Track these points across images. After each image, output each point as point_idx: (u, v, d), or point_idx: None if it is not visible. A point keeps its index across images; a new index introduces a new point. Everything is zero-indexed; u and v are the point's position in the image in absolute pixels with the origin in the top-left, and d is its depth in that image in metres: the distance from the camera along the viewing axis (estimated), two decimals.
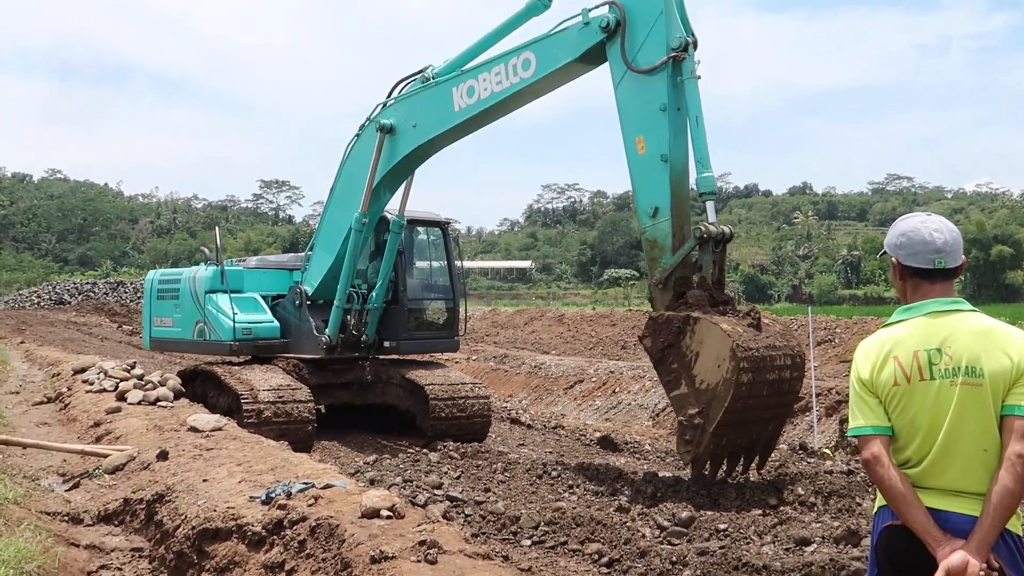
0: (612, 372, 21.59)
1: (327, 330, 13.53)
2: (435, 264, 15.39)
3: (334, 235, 13.61)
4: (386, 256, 13.65)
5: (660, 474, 10.25)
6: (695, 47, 9.43)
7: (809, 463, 11.69)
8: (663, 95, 9.35)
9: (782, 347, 8.82)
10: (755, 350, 8.49)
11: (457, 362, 25.49)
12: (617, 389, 20.45)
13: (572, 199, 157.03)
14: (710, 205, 9.30)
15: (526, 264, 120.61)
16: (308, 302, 14.00)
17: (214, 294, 14.18)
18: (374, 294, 13.72)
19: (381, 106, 12.65)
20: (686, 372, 8.68)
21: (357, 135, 13.09)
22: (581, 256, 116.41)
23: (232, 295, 13.95)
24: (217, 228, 17.55)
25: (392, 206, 13.71)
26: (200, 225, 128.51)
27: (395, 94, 12.52)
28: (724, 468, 9.19)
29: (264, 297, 14.54)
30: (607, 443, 14.13)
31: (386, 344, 14.13)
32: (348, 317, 13.63)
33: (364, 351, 14.01)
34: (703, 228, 9.08)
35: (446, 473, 10.20)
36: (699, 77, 9.37)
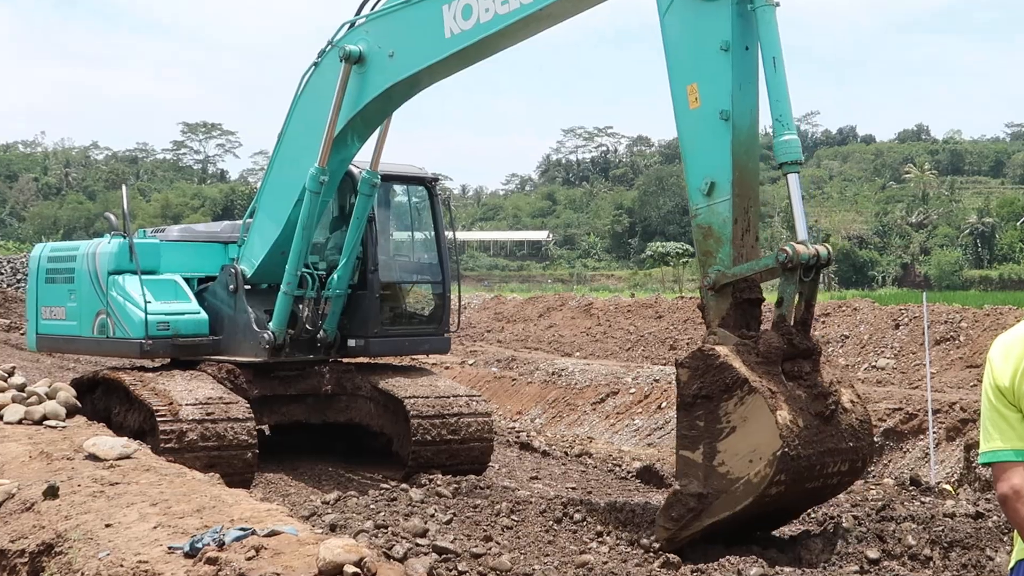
0: (657, 381, 21.61)
1: (271, 324, 13.58)
2: (418, 236, 15.42)
3: (282, 197, 13.62)
4: (352, 225, 13.66)
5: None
6: None
7: (923, 503, 11.69)
8: (726, 29, 9.15)
9: (845, 450, 8.96)
10: (806, 457, 8.62)
11: (448, 367, 25.55)
12: (664, 404, 20.46)
13: (604, 148, 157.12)
14: (793, 180, 9.18)
15: (541, 235, 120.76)
16: (247, 287, 14.04)
17: (120, 276, 14.22)
18: (335, 276, 13.75)
19: (347, 26, 12.60)
20: (710, 439, 8.79)
21: (315, 64, 13.06)
22: (615, 225, 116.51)
23: (144, 277, 14.00)
24: (125, 187, 17.55)
25: (361, 159, 13.72)
26: (101, 184, 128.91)
27: (366, 10, 12.44)
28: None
29: (189, 280, 14.60)
30: (649, 476, 14.17)
31: (351, 343, 14.17)
32: (300, 307, 13.67)
33: (322, 353, 14.06)
34: (790, 252, 8.74)
35: (433, 516, 10.24)
36: (777, 3, 9.12)
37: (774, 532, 9.71)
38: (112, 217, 15.15)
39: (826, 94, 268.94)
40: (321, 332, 13.87)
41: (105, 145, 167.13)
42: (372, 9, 12.38)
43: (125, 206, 15.01)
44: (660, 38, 9.62)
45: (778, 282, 9.04)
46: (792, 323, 8.98)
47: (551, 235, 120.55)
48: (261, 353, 13.64)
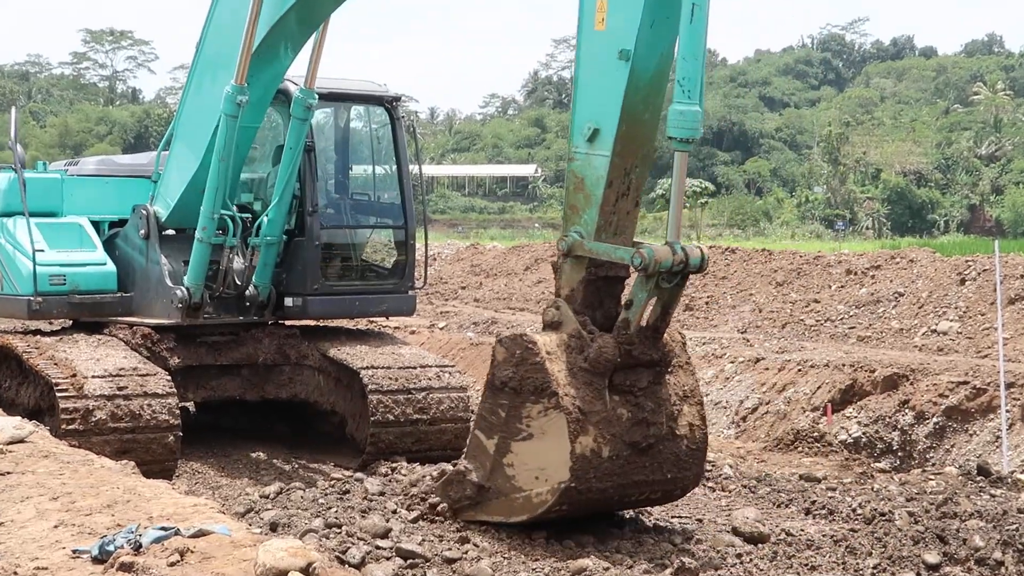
0: None
1: (185, 279, 13.54)
2: (376, 170, 15.36)
3: (202, 122, 13.57)
4: (285, 157, 13.60)
5: (745, 514, 10.32)
6: None
7: (993, 497, 11.78)
8: None
9: (658, 482, 9.65)
10: (599, 491, 9.28)
11: (415, 332, 25.56)
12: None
13: None
14: (679, 161, 9.28)
15: (528, 170, 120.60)
16: (162, 232, 13.98)
17: (9, 219, 14.18)
18: (265, 219, 13.68)
19: None
20: (507, 435, 9.41)
21: None
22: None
23: (40, 220, 13.94)
24: (15, 110, 17.41)
25: (299, 72, 13.63)
26: None
27: None
28: None
29: (99, 225, 14.61)
30: None
31: (288, 302, 14.14)
32: (224, 257, 13.61)
33: (253, 314, 14.03)
34: (646, 257, 8.97)
35: (395, 513, 10.27)
36: None
37: (812, 531, 9.75)
38: (20, 148, 15.12)
39: None
40: (251, 288, 13.78)
41: None
42: None
43: (13, 133, 14.93)
44: None
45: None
46: (641, 328, 9.27)
47: (539, 170, 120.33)
48: (174, 314, 13.60)
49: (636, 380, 9.40)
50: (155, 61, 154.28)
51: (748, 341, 21.82)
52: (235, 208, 13.69)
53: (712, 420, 18.85)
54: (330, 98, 14.20)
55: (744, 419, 18.49)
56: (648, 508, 11.13)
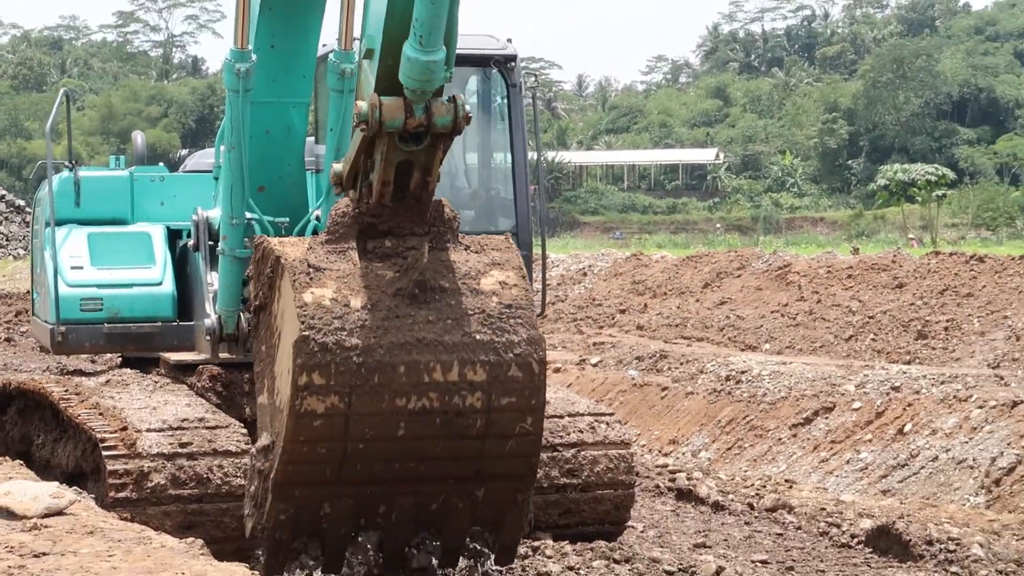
0: (897, 389, 21.50)
1: (218, 303, 13.70)
2: (481, 156, 15.44)
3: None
4: (328, 142, 13.61)
5: None
6: None
7: None
8: None
9: (459, 344, 9.64)
10: (357, 349, 9.42)
11: (560, 369, 25.63)
12: (908, 426, 20.36)
13: (806, 12, 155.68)
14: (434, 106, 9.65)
15: (707, 156, 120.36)
16: (210, 244, 14.15)
17: (61, 229, 14.54)
18: (315, 219, 13.69)
19: None
20: (269, 363, 10.03)
21: None
22: (827, 138, 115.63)
23: (96, 230, 14.33)
24: (64, 94, 17.70)
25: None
26: (8, 81, 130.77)
27: None
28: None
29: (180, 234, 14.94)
30: (888, 542, 14.14)
31: None
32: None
33: None
34: (364, 111, 9.48)
35: None
36: None
37: None
38: (139, 138, 15.46)
39: None
40: None
41: (11, 21, 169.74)
42: None
43: (51, 121, 15.27)
44: None
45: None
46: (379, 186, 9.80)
47: (721, 155, 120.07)
48: (205, 347, 13.86)
49: (400, 244, 9.90)
50: (220, 21, 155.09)
51: (1002, 379, 21.53)
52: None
53: (955, 485, 18.66)
54: None
55: (998, 483, 18.25)
56: None
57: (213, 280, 13.97)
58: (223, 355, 13.82)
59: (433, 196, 10.08)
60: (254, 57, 12.89)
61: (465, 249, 10.15)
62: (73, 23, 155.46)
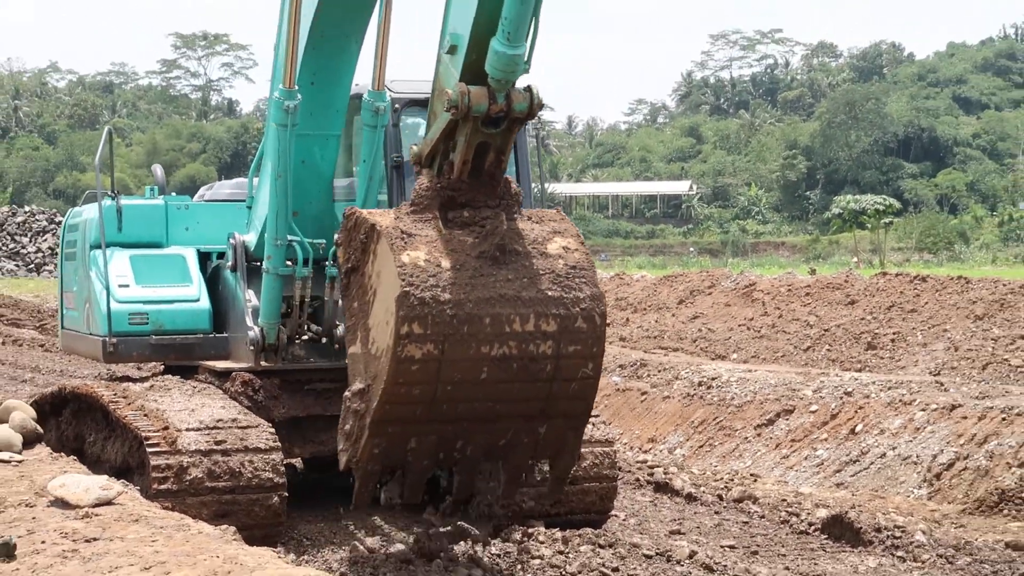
0: (849, 394, 21.47)
1: (260, 316, 13.69)
2: None
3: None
4: (360, 172, 13.60)
5: None
6: None
7: None
8: None
9: (534, 299, 10.13)
10: (451, 303, 9.82)
11: None
12: (859, 426, 20.33)
13: (769, 61, 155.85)
14: (485, 93, 10.07)
15: (681, 187, 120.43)
16: (247, 263, 14.16)
17: (105, 251, 14.51)
18: None
19: None
20: (364, 317, 10.39)
21: None
22: (788, 171, 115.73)
23: (140, 252, 14.31)
24: (108, 131, 17.71)
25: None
26: (64, 121, 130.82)
27: None
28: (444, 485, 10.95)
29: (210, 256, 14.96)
30: (841, 529, 14.12)
31: None
32: (297, 290, 13.71)
33: (341, 357, 14.10)
34: (455, 96, 9.91)
35: None
36: None
37: None
38: (159, 171, 15.46)
39: None
40: (340, 327, 13.77)
41: (68, 68, 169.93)
42: None
43: (97, 158, 15.24)
44: None
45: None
46: (460, 165, 10.29)
47: (695, 186, 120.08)
48: (248, 357, 13.80)
49: (477, 214, 10.39)
50: (253, 68, 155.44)
51: (942, 385, 21.49)
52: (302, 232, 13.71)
53: (900, 478, 18.65)
54: (423, 103, 14.20)
55: (938, 477, 18.21)
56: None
57: (250, 296, 13.99)
58: (264, 364, 13.82)
59: (504, 173, 10.57)
60: (299, 96, 12.94)
61: (528, 219, 10.63)
62: (123, 69, 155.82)
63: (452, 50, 10.25)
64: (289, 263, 13.56)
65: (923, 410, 19.71)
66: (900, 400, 20.48)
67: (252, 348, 13.69)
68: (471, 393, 10.30)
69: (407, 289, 9.69)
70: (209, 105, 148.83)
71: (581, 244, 10.61)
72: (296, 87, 12.93)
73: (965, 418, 18.91)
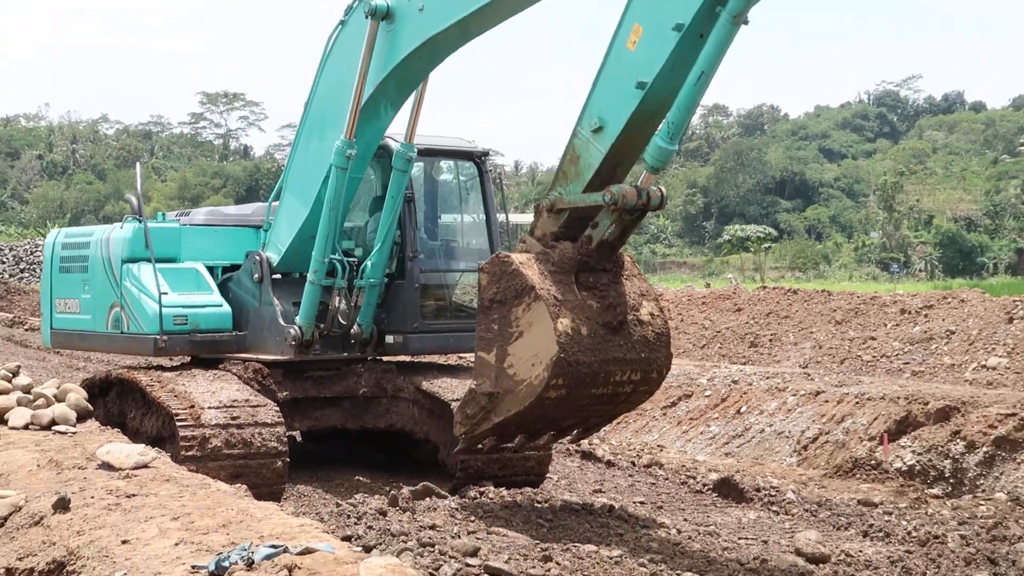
0: (735, 383, 21.56)
1: (297, 318, 13.68)
2: (466, 218, 15.44)
3: (310, 175, 13.71)
4: (386, 206, 13.70)
5: (807, 536, 10.25)
6: None
7: None
8: (688, 12, 9.56)
9: (635, 360, 10.67)
10: (587, 364, 10.25)
11: None
12: (743, 408, 20.42)
13: None
14: (646, 176, 10.37)
15: None
16: (273, 276, 14.16)
17: (134, 265, 14.38)
18: (369, 263, 13.80)
19: None
20: (502, 342, 10.47)
21: (341, 23, 13.14)
22: (688, 206, 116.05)
23: (161, 266, 14.16)
24: (139, 166, 17.75)
25: (396, 130, 13.77)
26: (112, 162, 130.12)
27: None
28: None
29: (213, 269, 14.76)
30: (728, 489, 14.16)
31: (389, 340, 14.23)
32: (330, 299, 13.75)
33: (357, 350, 14.14)
34: (617, 194, 10.08)
35: (485, 533, 10.30)
36: (746, 22, 9.54)
37: (869, 552, 9.69)
38: (133, 199, 15.38)
39: (930, 53, 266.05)
40: (355, 327, 13.93)
41: (116, 119, 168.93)
42: None
43: (139, 187, 15.20)
44: None
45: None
46: (600, 243, 10.47)
47: None
48: (287, 350, 13.73)
49: (597, 279, 10.58)
50: (264, 120, 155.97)
51: (809, 375, 21.63)
52: (341, 253, 13.85)
53: (775, 449, 18.73)
54: (425, 153, 14.30)
55: (805, 448, 18.32)
56: (715, 532, 11.09)
57: (274, 301, 13.98)
58: (300, 357, 13.80)
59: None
60: (357, 147, 13.04)
61: (624, 277, 10.88)
62: (159, 120, 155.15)
63: (598, 130, 10.22)
64: (328, 275, 13.65)
65: (794, 395, 19.82)
66: (776, 387, 20.59)
67: (293, 343, 13.63)
68: (572, 412, 11.01)
69: (563, 355, 10.04)
70: (229, 149, 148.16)
71: (660, 309, 11.08)
72: (354, 139, 12.95)
73: (827, 402, 19.02)
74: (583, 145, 10.35)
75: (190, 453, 12.12)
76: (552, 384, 10.16)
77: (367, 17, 12.47)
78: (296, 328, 13.62)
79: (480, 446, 11.64)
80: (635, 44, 9.98)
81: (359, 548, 8.23)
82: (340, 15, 13.19)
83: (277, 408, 13.04)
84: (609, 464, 16.59)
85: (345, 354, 14.11)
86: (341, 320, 13.86)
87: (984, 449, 16.05)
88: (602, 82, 10.29)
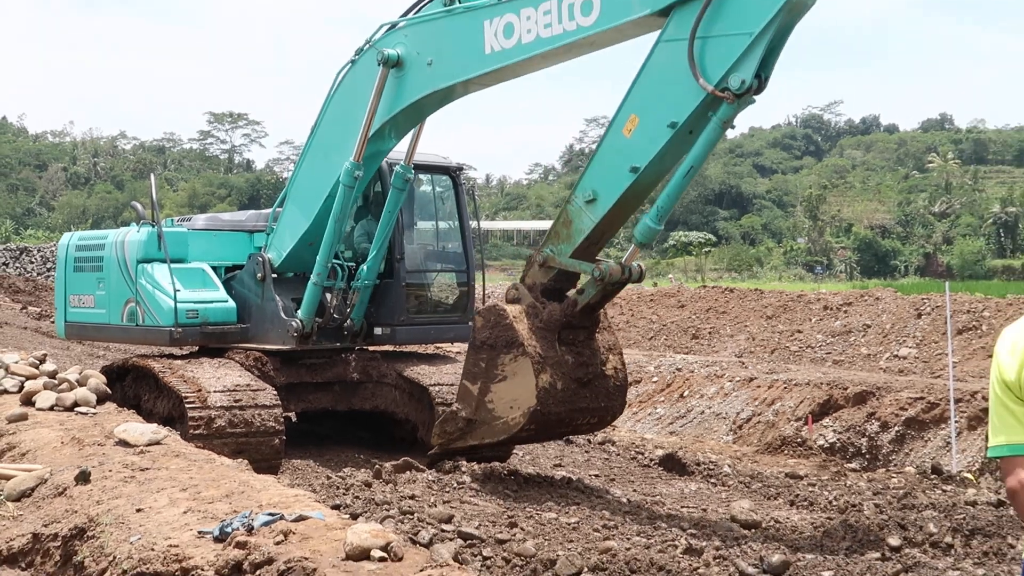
0: (679, 370, 21.62)
1: (299, 312, 13.65)
2: (443, 225, 15.44)
3: (314, 189, 13.67)
4: (383, 219, 13.69)
5: (741, 504, 10.29)
6: (759, 90, 9.47)
7: (944, 492, 11.70)
8: (683, 111, 9.57)
9: (596, 409, 10.94)
10: (555, 413, 10.51)
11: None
12: (686, 392, 20.48)
13: None
14: (633, 250, 10.70)
15: None
16: (274, 275, 14.13)
17: (149, 264, 14.32)
18: (365, 267, 13.79)
19: (387, 27, 12.49)
20: (487, 379, 10.63)
21: (351, 62, 12.99)
22: (639, 214, 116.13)
23: (173, 266, 14.09)
24: (153, 176, 17.69)
25: (394, 152, 13.72)
26: (129, 173, 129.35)
27: (411, 14, 12.29)
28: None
29: (215, 268, 14.69)
30: (672, 463, 14.19)
31: (378, 331, 14.23)
32: (328, 297, 13.73)
33: (348, 341, 14.13)
34: (604, 270, 10.27)
35: (458, 502, 10.29)
36: (732, 127, 9.66)
37: (795, 519, 9.73)
38: (139, 206, 15.25)
39: (850, 80, 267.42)
40: (348, 321, 13.94)
41: (133, 135, 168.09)
42: (415, 13, 12.22)
43: (153, 195, 15.13)
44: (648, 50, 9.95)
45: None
46: (582, 306, 10.53)
47: None
48: (289, 341, 13.71)
49: (576, 336, 10.69)
50: (265, 137, 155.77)
51: (743, 364, 21.72)
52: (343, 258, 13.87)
53: (714, 428, 18.80)
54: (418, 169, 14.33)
55: (740, 427, 18.40)
56: (661, 501, 11.12)
57: (276, 297, 13.94)
58: (300, 347, 13.77)
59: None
60: (363, 168, 13.05)
61: (598, 331, 10.99)
62: (171, 137, 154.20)
63: (591, 201, 10.25)
64: (329, 277, 13.64)
65: (730, 381, 19.91)
66: (714, 374, 20.66)
67: (295, 335, 13.59)
68: (536, 440, 11.99)
69: (539, 408, 10.30)
70: (233, 163, 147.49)
71: (623, 364, 11.20)
72: (361, 161, 12.91)
73: (759, 387, 19.12)
74: (576, 212, 10.39)
75: (197, 432, 12.07)
76: (526, 428, 10.51)
77: (379, 64, 12.28)
78: (298, 321, 13.61)
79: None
80: (631, 132, 9.93)
81: (347, 515, 8.21)
82: (349, 52, 13.10)
83: (275, 392, 13.01)
84: (567, 441, 16.59)
85: (338, 344, 14.11)
86: (336, 315, 13.86)
87: (896, 428, 16.18)
88: (598, 160, 10.31)
